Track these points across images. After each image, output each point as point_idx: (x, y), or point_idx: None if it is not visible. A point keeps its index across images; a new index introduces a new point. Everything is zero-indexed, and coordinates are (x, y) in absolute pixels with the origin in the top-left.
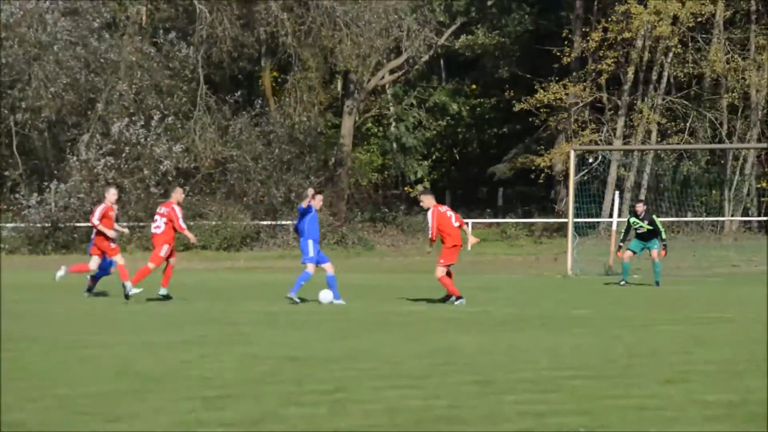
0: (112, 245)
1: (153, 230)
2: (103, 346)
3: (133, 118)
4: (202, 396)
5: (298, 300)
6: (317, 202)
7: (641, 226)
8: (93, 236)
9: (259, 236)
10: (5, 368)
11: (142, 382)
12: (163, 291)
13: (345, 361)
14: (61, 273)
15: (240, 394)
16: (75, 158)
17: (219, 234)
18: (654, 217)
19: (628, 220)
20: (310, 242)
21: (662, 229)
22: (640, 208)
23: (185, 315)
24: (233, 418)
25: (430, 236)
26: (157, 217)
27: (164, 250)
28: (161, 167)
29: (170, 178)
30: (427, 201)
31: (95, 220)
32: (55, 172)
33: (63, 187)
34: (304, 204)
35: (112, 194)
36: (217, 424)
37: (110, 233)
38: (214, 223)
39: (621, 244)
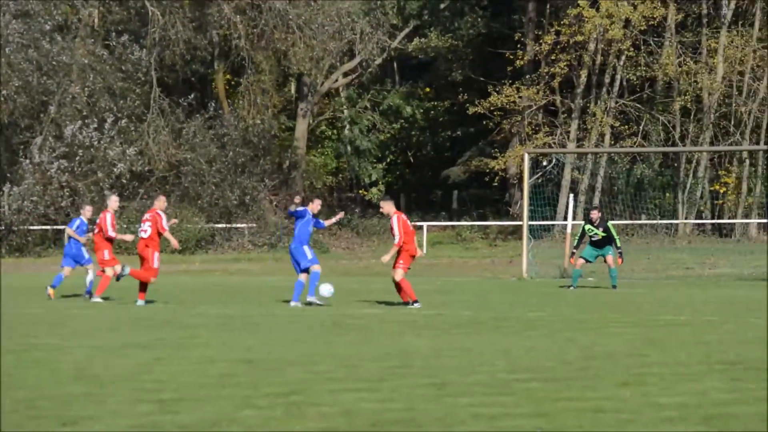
0: (107, 257)
1: (140, 234)
2: (59, 350)
3: (86, 121)
4: (158, 399)
5: (320, 302)
6: (315, 206)
7: (596, 233)
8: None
9: (214, 239)
10: None
11: (98, 386)
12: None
13: (301, 364)
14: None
15: (196, 397)
16: (28, 161)
17: (174, 237)
18: (609, 224)
19: (583, 227)
20: (305, 248)
21: (617, 237)
22: (595, 215)
23: (141, 318)
24: (189, 421)
25: (396, 242)
26: (141, 223)
27: (156, 260)
28: (115, 170)
29: (124, 181)
30: (387, 207)
31: (112, 232)
32: (8, 174)
33: (16, 190)
34: (291, 208)
35: (114, 201)
36: (173, 427)
37: (112, 235)
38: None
39: (574, 250)
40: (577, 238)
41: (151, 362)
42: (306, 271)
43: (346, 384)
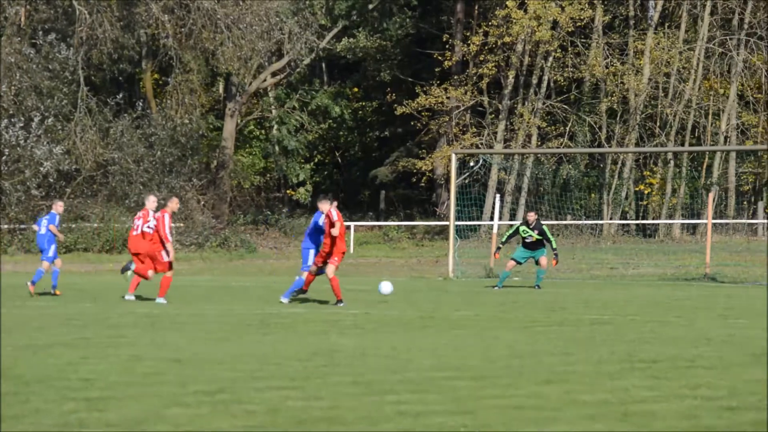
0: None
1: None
2: None
3: (13, 120)
4: (85, 397)
5: (287, 302)
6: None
7: (530, 235)
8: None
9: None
10: None
11: (24, 384)
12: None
13: (228, 363)
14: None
15: (123, 395)
16: None
17: (101, 236)
18: (544, 227)
19: (517, 228)
20: (311, 251)
21: (552, 238)
22: (532, 217)
23: (68, 317)
24: (116, 418)
25: (339, 233)
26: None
27: (165, 255)
28: (42, 169)
29: (51, 180)
30: (324, 206)
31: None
32: None
33: None
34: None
35: (152, 202)
36: (99, 425)
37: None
38: (96, 225)
39: (500, 245)
40: (506, 236)
41: (78, 361)
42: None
43: (271, 382)
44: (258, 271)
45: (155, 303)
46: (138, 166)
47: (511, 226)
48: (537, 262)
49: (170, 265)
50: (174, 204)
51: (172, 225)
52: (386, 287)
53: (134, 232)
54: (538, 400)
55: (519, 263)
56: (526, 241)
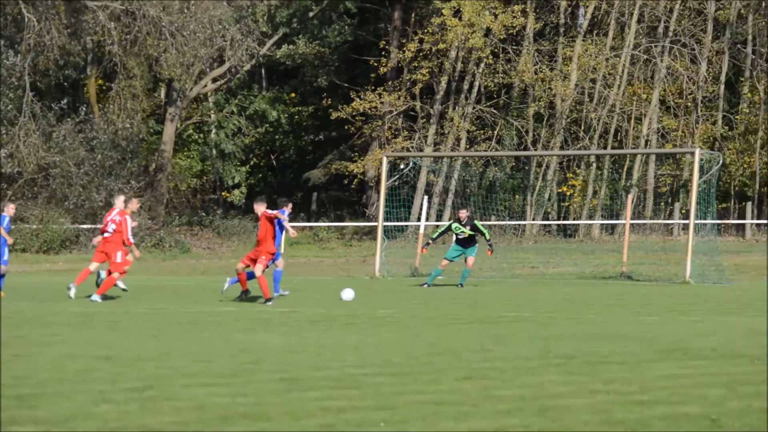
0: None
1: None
2: None
3: None
4: (17, 395)
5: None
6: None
7: (462, 231)
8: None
9: (79, 239)
10: None
11: None
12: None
13: (157, 360)
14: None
15: (54, 392)
16: None
17: (39, 237)
18: (476, 222)
19: (450, 224)
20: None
21: (485, 231)
22: (464, 214)
23: (3, 316)
24: (46, 415)
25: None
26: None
27: (119, 256)
28: None
29: None
30: (259, 208)
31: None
32: None
33: None
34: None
35: (121, 201)
36: (30, 423)
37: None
38: (35, 226)
39: (430, 241)
40: (438, 232)
41: (10, 359)
42: None
43: (199, 379)
44: (191, 271)
45: (90, 300)
46: (78, 168)
47: (440, 225)
48: (465, 261)
49: (122, 269)
50: (133, 205)
51: (134, 225)
52: (347, 294)
53: (106, 234)
54: (457, 396)
55: (451, 261)
56: (459, 237)
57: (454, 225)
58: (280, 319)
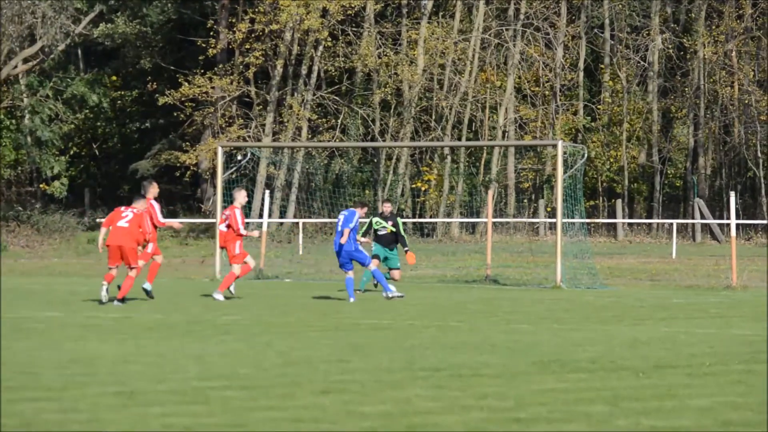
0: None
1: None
2: None
3: None
4: None
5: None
6: None
7: (384, 227)
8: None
9: None
10: None
11: None
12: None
13: None
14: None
15: None
16: None
17: None
18: (398, 219)
19: (371, 220)
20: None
21: (405, 235)
22: (387, 208)
23: None
24: None
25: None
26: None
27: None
28: None
29: None
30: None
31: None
32: None
33: None
34: None
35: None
36: None
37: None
38: None
39: (362, 240)
40: (362, 232)
41: None
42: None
43: (25, 393)
44: (9, 271)
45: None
46: None
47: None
48: (389, 272)
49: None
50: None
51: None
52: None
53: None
54: (315, 412)
55: (381, 259)
56: (379, 233)
57: (375, 219)
58: (113, 326)
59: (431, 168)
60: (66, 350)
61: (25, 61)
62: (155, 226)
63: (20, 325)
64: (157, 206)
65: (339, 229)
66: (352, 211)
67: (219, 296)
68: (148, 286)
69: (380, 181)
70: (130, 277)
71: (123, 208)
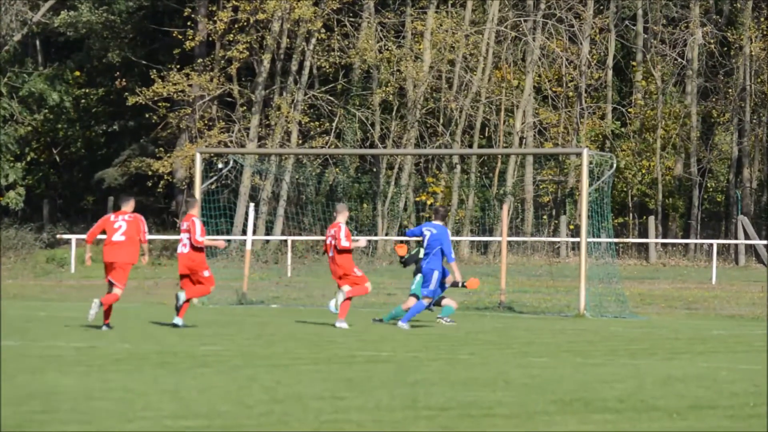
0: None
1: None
2: None
3: None
4: None
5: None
6: None
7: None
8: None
9: None
10: None
11: None
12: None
13: None
14: None
15: None
16: None
17: None
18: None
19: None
20: (436, 273)
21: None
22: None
23: None
24: None
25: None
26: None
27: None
28: None
29: None
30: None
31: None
32: None
33: None
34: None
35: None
36: None
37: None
38: None
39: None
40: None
41: None
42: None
43: None
44: None
45: None
46: None
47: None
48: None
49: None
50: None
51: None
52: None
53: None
54: None
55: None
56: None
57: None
58: (75, 357)
59: (438, 179)
60: (22, 384)
61: None
62: (193, 247)
63: None
64: (198, 224)
65: (431, 250)
66: (442, 228)
67: (343, 324)
68: (178, 321)
69: (380, 194)
70: (115, 295)
71: (112, 217)
